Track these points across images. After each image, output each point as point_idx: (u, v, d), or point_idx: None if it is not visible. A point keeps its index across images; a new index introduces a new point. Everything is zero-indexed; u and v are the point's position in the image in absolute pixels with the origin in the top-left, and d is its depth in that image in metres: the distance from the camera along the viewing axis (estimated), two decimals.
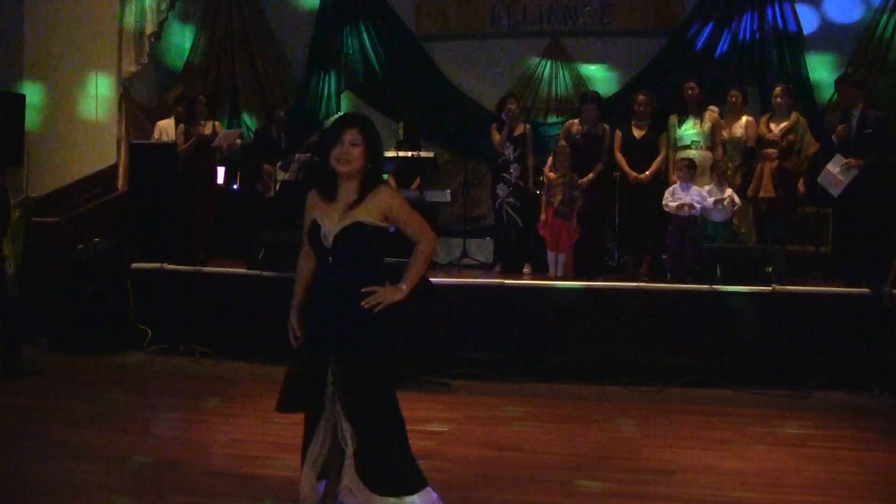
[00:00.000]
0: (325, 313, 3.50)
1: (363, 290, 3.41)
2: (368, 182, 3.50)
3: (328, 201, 3.52)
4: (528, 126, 8.48)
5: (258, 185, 9.25)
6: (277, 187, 9.01)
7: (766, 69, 9.61)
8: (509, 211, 8.27)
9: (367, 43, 10.76)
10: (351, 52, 10.79)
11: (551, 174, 7.90)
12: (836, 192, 7.29)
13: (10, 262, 6.88)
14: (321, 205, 3.53)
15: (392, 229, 3.55)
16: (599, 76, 10.29)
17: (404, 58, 10.69)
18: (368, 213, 3.45)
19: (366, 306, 3.40)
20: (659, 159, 7.95)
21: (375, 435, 3.45)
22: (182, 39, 10.96)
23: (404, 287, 3.48)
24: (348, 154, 3.44)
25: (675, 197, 7.53)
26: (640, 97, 8.12)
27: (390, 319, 3.49)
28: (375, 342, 3.47)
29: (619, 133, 8.13)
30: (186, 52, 10.94)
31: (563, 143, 7.95)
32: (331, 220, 3.48)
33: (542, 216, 7.87)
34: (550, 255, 7.80)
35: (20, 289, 6.88)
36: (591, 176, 7.95)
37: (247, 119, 10.83)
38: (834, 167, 7.29)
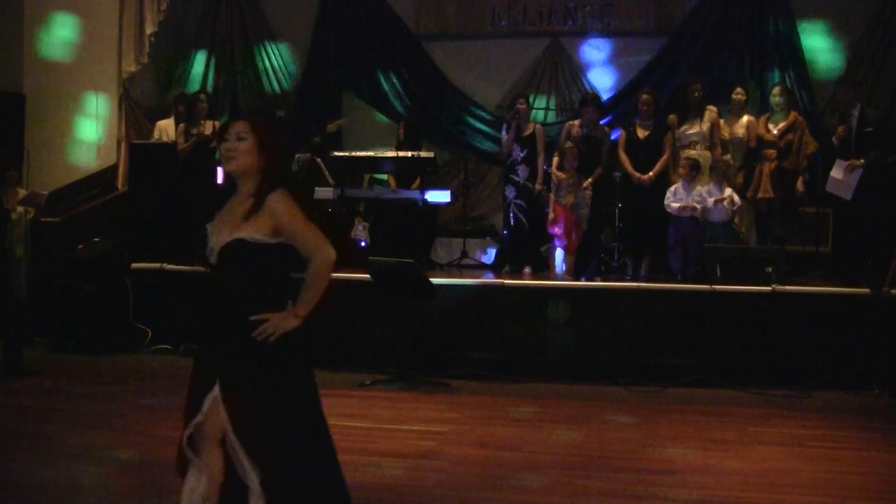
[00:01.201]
0: (208, 343, 3.08)
1: (252, 318, 2.94)
2: (265, 187, 3.00)
3: (225, 208, 3.09)
4: (538, 126, 8.43)
5: None
6: None
7: (766, 69, 9.60)
8: (517, 213, 8.25)
9: (367, 43, 10.74)
10: (350, 52, 10.77)
11: (560, 173, 7.89)
12: (847, 195, 7.26)
13: (21, 263, 6.91)
14: (218, 213, 3.10)
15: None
16: (599, 76, 10.28)
17: (404, 58, 10.69)
18: (256, 227, 2.96)
19: (258, 338, 2.92)
20: (663, 159, 7.91)
21: (286, 473, 2.98)
22: (183, 40, 10.94)
23: (299, 312, 2.99)
24: (233, 149, 3.00)
25: (677, 197, 7.54)
26: (645, 96, 8.07)
27: (287, 349, 3.00)
28: (263, 377, 2.97)
29: (623, 133, 8.12)
30: (187, 53, 10.93)
31: (569, 143, 7.93)
32: (218, 234, 3.03)
33: (552, 214, 7.85)
34: (557, 253, 7.79)
35: (25, 289, 6.91)
36: (589, 180, 7.92)
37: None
38: (838, 172, 7.28)
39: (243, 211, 2.99)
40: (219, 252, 3.01)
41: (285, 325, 2.96)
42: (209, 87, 10.50)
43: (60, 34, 9.50)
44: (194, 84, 10.37)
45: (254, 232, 2.95)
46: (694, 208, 7.46)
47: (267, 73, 10.81)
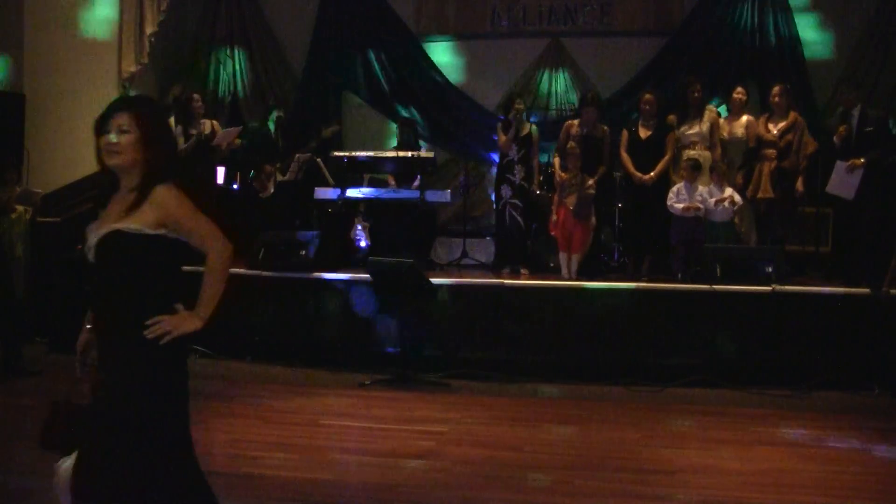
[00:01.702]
0: (97, 348, 2.83)
1: (147, 322, 2.69)
2: (150, 180, 2.77)
3: (107, 205, 2.85)
4: (534, 127, 8.44)
5: (255, 183, 9.24)
6: (274, 188, 9.03)
7: (766, 69, 9.60)
8: (512, 212, 8.23)
9: (367, 43, 10.75)
10: (350, 52, 10.78)
11: (563, 174, 7.89)
12: (849, 195, 7.26)
13: (20, 262, 6.90)
14: (101, 212, 2.85)
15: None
16: (599, 76, 10.28)
17: (404, 58, 10.69)
18: (138, 219, 2.72)
19: (149, 336, 2.68)
20: (665, 160, 7.89)
21: None
22: (182, 39, 10.94)
23: (201, 314, 2.77)
24: (116, 143, 2.76)
25: (680, 198, 7.54)
26: (648, 96, 8.05)
27: (176, 358, 2.78)
28: (146, 394, 2.70)
29: (625, 133, 8.11)
30: (186, 52, 10.93)
31: (572, 143, 7.93)
32: (98, 229, 2.79)
33: (554, 217, 7.84)
34: (562, 255, 7.78)
35: (25, 289, 6.91)
36: (593, 180, 7.91)
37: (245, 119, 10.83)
38: (839, 173, 7.28)
39: (125, 205, 2.76)
40: (95, 247, 2.76)
41: (185, 326, 2.74)
42: (209, 88, 10.53)
43: (60, 34, 9.49)
44: (194, 84, 10.36)
45: (133, 222, 2.72)
46: (698, 208, 7.45)
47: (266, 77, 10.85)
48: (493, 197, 8.99)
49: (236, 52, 10.88)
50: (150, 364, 2.71)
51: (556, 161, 8.07)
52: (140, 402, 2.69)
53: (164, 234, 2.76)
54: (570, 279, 7.55)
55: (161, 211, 2.74)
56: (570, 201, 7.72)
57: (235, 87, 10.88)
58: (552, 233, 7.89)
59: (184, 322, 2.74)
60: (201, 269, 2.80)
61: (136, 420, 2.67)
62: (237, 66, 10.88)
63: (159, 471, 2.70)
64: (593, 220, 7.84)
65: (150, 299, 2.74)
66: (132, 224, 2.72)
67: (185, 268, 2.87)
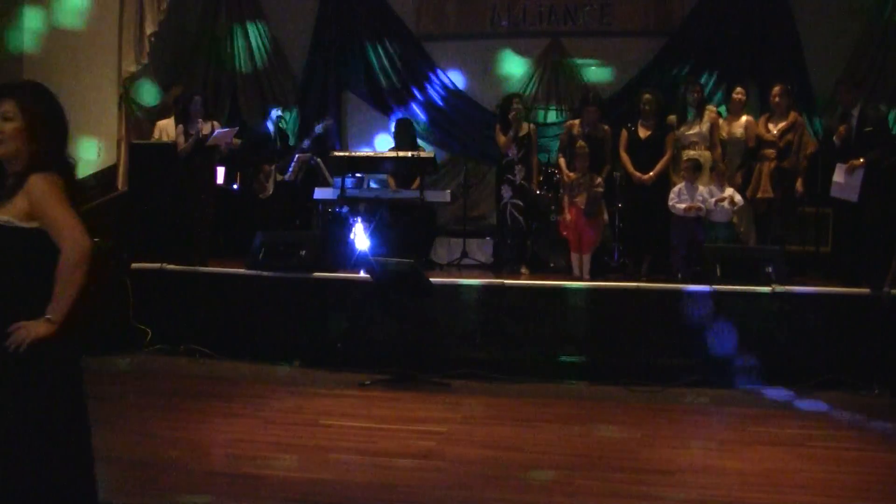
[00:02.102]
0: None
1: (10, 328, 2.58)
2: (28, 170, 2.66)
3: None
4: (532, 126, 8.44)
5: (254, 184, 9.23)
6: (273, 188, 9.03)
7: (766, 69, 9.60)
8: (513, 212, 8.23)
9: (367, 43, 10.75)
10: (350, 52, 10.78)
11: (571, 174, 7.88)
12: (853, 197, 7.26)
13: None
14: None
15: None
16: (599, 76, 10.28)
17: (404, 58, 10.69)
18: (8, 209, 2.61)
19: (10, 348, 2.57)
20: (664, 159, 7.90)
21: None
22: (182, 40, 10.94)
23: (52, 317, 2.61)
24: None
25: (682, 198, 7.54)
26: (647, 96, 8.04)
27: (43, 362, 2.63)
28: (16, 401, 2.60)
29: (624, 132, 8.11)
30: (186, 53, 10.93)
31: (581, 143, 7.92)
32: None
33: (567, 216, 7.83)
34: (574, 256, 7.78)
35: None
36: (601, 178, 7.91)
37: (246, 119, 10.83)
38: (840, 176, 7.28)
39: (4, 195, 2.66)
40: None
41: (36, 331, 2.59)
42: (209, 88, 10.53)
43: (60, 34, 9.48)
44: (194, 84, 10.37)
45: (9, 213, 2.61)
46: (699, 208, 7.46)
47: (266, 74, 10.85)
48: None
49: (236, 51, 10.89)
50: (21, 367, 2.59)
51: (562, 161, 8.05)
52: (17, 405, 2.60)
53: (39, 228, 2.62)
54: (582, 279, 7.55)
55: (30, 199, 2.61)
56: (581, 200, 7.73)
57: (235, 86, 10.89)
58: (563, 234, 7.89)
59: (35, 328, 2.60)
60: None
61: (12, 422, 2.59)
62: (237, 66, 10.90)
63: (39, 473, 2.61)
64: (605, 216, 7.86)
65: (21, 298, 2.63)
66: (3, 215, 2.60)
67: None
